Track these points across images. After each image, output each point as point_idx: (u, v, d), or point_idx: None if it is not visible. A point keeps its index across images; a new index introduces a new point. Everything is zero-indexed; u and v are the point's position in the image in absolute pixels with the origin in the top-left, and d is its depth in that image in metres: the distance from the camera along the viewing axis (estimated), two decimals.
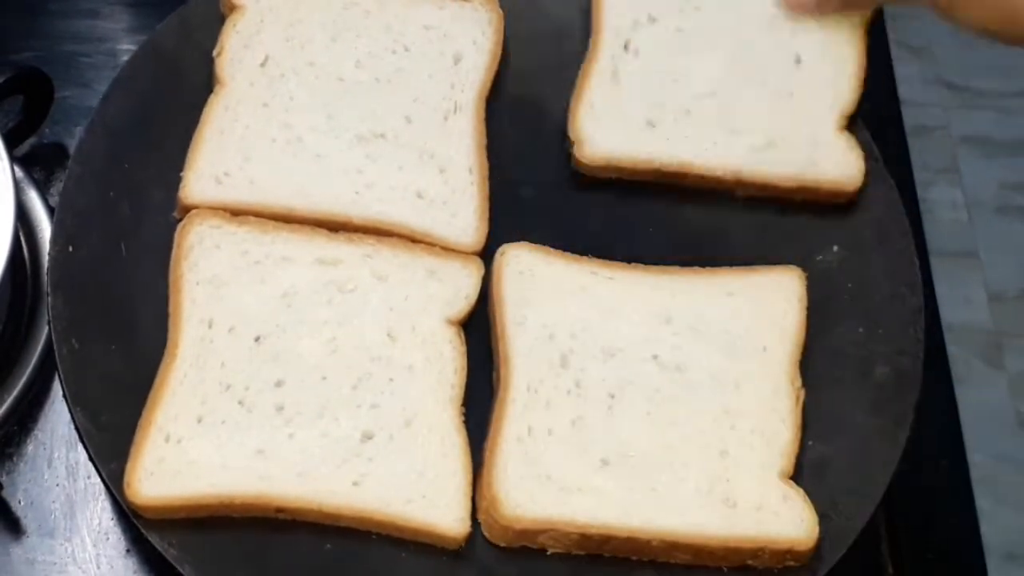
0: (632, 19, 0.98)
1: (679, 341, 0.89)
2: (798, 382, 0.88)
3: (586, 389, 0.87)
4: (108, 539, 0.89)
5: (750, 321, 0.90)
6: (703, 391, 0.87)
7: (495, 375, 0.88)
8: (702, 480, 0.84)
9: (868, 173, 0.94)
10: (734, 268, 0.92)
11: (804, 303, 0.91)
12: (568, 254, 0.92)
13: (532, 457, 0.84)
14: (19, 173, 0.94)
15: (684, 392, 0.87)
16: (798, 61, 0.97)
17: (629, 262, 0.92)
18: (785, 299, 0.91)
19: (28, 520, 0.89)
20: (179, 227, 0.89)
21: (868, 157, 0.95)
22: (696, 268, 0.92)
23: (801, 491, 0.84)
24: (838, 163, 0.95)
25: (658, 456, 0.85)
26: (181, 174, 0.92)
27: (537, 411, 0.86)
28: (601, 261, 0.92)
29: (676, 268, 0.92)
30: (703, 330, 0.89)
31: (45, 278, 0.88)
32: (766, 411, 0.87)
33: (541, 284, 0.90)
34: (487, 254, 0.92)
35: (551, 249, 0.92)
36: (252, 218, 0.90)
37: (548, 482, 0.83)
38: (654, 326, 0.89)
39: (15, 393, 0.92)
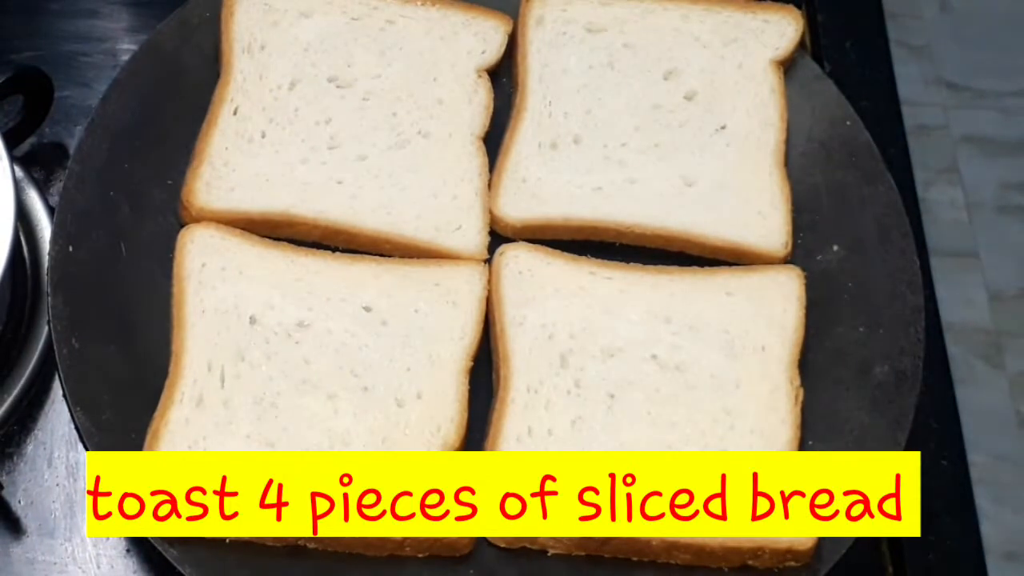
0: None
1: (678, 341, 0.89)
2: (797, 381, 0.88)
3: (586, 389, 0.87)
4: (108, 539, 0.89)
5: (749, 320, 0.90)
6: (702, 391, 0.87)
7: (494, 375, 0.88)
8: None
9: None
10: (733, 267, 0.92)
11: (803, 302, 0.91)
12: (567, 254, 0.92)
13: None
14: (19, 173, 0.94)
15: (683, 392, 0.87)
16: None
17: (629, 262, 0.92)
18: (784, 298, 0.91)
19: (28, 520, 0.89)
20: (179, 237, 0.89)
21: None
22: (695, 268, 0.92)
23: None
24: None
25: None
26: (182, 173, 0.92)
27: (537, 411, 0.86)
28: (600, 261, 0.92)
29: (675, 268, 0.92)
30: (702, 329, 0.89)
31: (45, 278, 0.88)
32: (765, 411, 0.87)
33: (540, 284, 0.90)
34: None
35: (550, 249, 0.92)
36: (255, 236, 0.91)
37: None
38: (653, 326, 0.89)
39: (15, 393, 0.92)
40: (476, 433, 0.86)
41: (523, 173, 0.94)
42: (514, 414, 0.86)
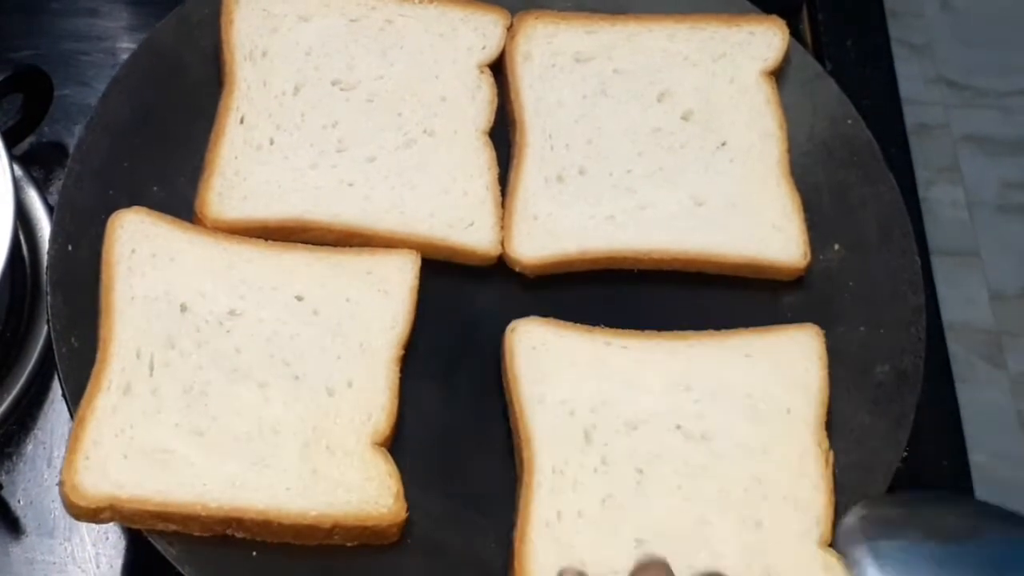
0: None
1: (701, 408, 0.86)
2: (826, 444, 0.85)
3: (613, 465, 0.84)
4: (107, 539, 0.89)
5: (771, 383, 0.87)
6: (731, 460, 0.84)
7: (516, 458, 0.86)
8: (741, 556, 0.81)
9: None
10: (751, 329, 0.89)
11: (824, 361, 0.88)
12: (579, 325, 0.89)
13: (564, 543, 0.81)
14: (18, 172, 0.94)
15: (712, 462, 0.84)
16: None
17: (642, 328, 0.89)
18: (805, 357, 0.88)
19: (28, 520, 0.89)
20: (108, 223, 0.88)
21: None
22: (711, 331, 0.89)
23: (842, 559, 0.81)
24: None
25: (693, 532, 0.82)
26: (182, 171, 0.92)
27: (565, 493, 0.83)
28: (613, 330, 0.89)
29: (690, 332, 0.89)
30: (724, 395, 0.86)
31: (44, 277, 0.88)
32: (796, 477, 0.84)
33: (555, 358, 0.87)
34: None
35: (561, 321, 0.89)
36: (186, 223, 0.90)
37: (582, 568, 0.80)
38: (675, 394, 0.86)
39: (15, 392, 0.92)
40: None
41: (533, 210, 0.93)
42: (541, 498, 0.82)
